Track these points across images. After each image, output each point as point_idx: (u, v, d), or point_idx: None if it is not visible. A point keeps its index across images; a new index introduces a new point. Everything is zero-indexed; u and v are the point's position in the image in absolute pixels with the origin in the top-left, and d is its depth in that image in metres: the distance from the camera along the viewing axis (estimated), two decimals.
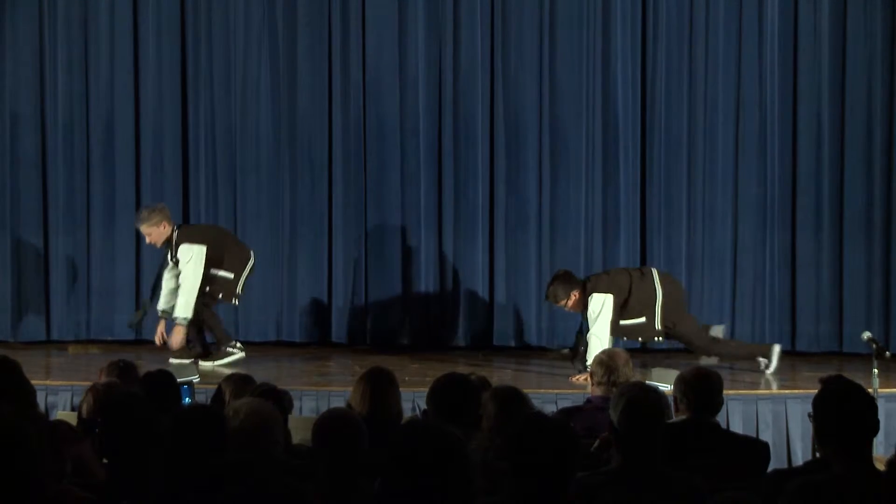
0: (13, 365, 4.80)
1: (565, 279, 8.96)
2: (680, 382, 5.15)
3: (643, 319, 8.91)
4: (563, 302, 8.92)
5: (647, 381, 7.27)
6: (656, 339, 9.05)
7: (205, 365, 9.01)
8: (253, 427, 4.32)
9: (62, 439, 4.71)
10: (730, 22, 10.52)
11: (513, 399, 5.02)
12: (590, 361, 8.48)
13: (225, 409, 5.23)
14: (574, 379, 8.67)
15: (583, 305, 8.86)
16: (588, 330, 8.78)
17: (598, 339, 8.59)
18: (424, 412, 5.10)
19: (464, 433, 3.88)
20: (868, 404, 3.79)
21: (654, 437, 4.13)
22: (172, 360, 8.83)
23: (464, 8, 10.60)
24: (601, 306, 8.74)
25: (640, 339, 9.10)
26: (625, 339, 8.98)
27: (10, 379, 4.70)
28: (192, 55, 10.71)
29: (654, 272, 9.12)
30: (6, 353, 5.01)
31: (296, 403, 7.42)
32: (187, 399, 5.98)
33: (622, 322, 8.84)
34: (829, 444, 3.78)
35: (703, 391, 5.08)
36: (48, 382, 8.22)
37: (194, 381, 7.30)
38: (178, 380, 5.87)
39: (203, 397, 6.84)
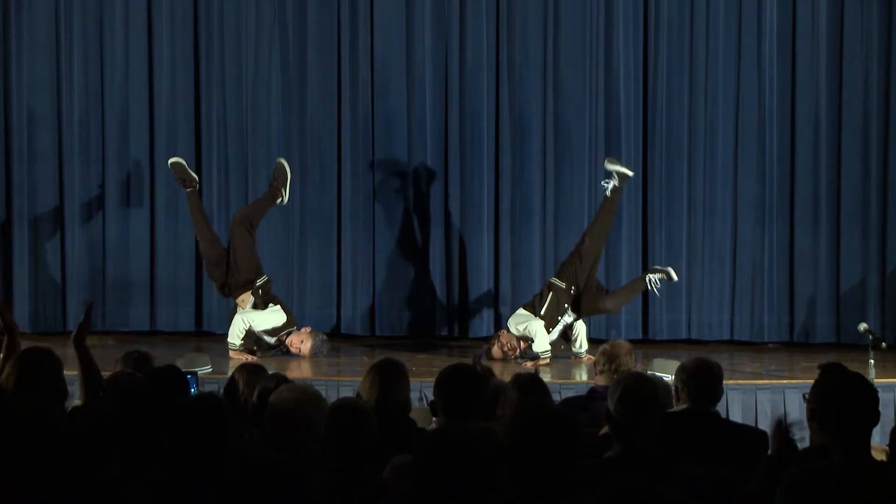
0: (56, 362, 4.77)
1: None
2: (681, 372, 5.22)
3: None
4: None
5: (648, 371, 7.49)
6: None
7: None
8: (289, 416, 4.38)
9: None
10: (729, 21, 10.66)
11: (534, 387, 5.08)
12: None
13: (240, 395, 5.37)
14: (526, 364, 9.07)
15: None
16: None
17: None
18: (431, 402, 5.16)
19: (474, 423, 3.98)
20: (870, 394, 3.78)
21: (649, 425, 4.16)
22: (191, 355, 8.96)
23: (470, 7, 10.74)
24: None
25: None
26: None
27: (49, 374, 4.66)
28: (204, 54, 10.85)
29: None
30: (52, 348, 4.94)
31: None
32: (193, 390, 6.00)
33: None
34: (829, 432, 3.75)
35: (703, 381, 5.14)
36: (65, 372, 8.31)
37: (199, 372, 7.42)
38: (184, 370, 5.89)
39: (215, 387, 6.97)
